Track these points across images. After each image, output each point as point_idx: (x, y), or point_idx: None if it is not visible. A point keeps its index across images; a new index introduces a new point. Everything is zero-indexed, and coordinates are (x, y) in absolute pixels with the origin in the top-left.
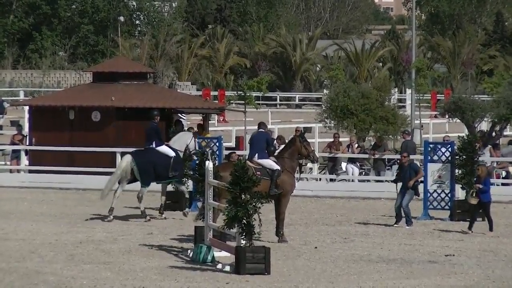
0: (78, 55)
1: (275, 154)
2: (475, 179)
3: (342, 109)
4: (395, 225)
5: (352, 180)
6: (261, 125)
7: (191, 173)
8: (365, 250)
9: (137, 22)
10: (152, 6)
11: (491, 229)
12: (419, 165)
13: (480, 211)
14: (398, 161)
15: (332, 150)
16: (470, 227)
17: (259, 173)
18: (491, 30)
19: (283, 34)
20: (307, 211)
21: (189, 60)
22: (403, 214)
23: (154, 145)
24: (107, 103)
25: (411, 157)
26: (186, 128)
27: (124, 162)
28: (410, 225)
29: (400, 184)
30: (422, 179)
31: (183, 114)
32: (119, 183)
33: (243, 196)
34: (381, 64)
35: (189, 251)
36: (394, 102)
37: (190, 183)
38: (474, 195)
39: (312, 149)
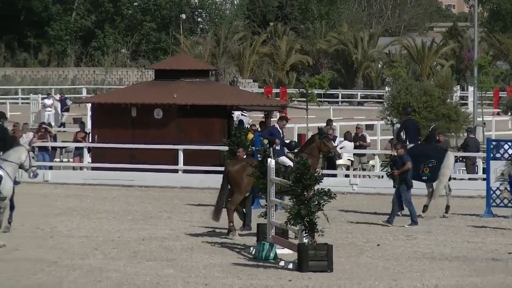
0: (140, 53)
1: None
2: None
3: (404, 107)
4: (382, 221)
5: None
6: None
7: None
8: (427, 247)
9: (199, 19)
10: (214, 4)
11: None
12: (409, 157)
13: None
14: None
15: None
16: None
17: None
18: None
19: (344, 32)
20: (370, 208)
21: (251, 57)
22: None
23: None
24: (169, 100)
25: (474, 154)
26: (248, 126)
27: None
28: (413, 225)
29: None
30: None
31: (245, 112)
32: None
33: (305, 193)
34: (445, 60)
35: (251, 248)
36: (456, 99)
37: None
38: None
39: (334, 145)
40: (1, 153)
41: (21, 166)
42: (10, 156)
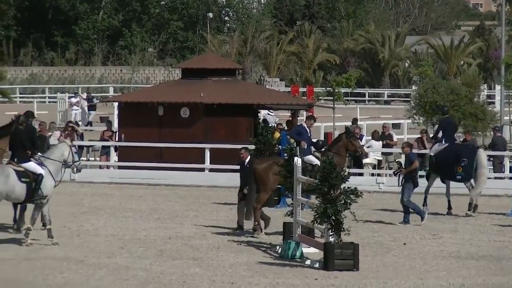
0: (167, 51)
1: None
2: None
3: (431, 105)
4: (399, 223)
5: None
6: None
7: None
8: (454, 246)
9: (226, 18)
10: (241, 3)
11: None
12: (416, 156)
13: None
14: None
15: (419, 146)
16: None
17: None
18: None
19: (372, 30)
20: (396, 207)
21: (278, 56)
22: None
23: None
24: (196, 99)
25: (501, 153)
26: (274, 124)
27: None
28: (423, 216)
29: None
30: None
31: (271, 111)
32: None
33: (332, 192)
34: (472, 59)
35: (277, 247)
36: (483, 98)
37: None
38: None
39: (361, 144)
40: (34, 152)
41: (64, 163)
42: (52, 154)
